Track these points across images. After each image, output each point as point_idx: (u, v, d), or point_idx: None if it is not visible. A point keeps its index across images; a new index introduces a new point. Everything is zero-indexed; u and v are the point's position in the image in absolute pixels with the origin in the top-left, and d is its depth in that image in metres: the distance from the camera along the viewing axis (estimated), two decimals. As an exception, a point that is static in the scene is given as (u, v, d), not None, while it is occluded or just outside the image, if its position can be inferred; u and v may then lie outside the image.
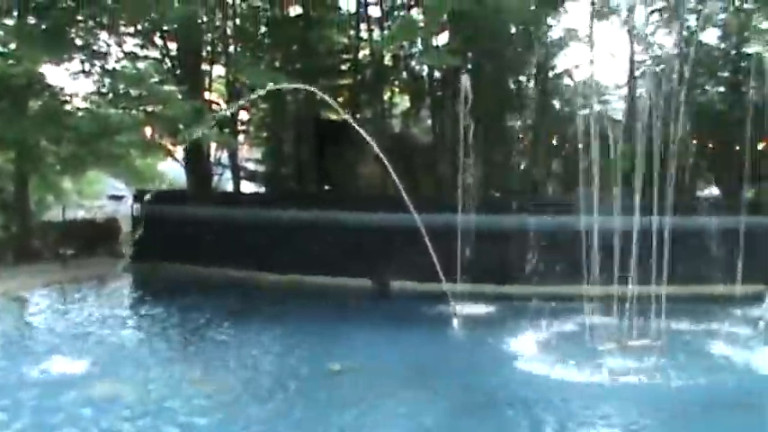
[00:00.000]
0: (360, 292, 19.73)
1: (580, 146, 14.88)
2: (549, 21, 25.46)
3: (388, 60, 27.66)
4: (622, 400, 10.57)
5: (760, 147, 25.09)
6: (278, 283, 20.13)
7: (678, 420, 9.74)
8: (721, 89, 27.20)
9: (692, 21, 24.88)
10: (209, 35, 26.55)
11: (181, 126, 21.18)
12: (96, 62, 23.41)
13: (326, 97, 17.40)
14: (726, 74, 26.83)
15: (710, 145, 25.74)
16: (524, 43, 25.68)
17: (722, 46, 26.64)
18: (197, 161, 26.24)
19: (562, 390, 10.87)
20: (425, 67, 26.57)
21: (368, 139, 16.07)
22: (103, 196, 34.70)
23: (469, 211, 17.91)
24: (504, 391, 10.93)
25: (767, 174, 26.42)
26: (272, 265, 20.69)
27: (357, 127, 16.86)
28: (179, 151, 26.08)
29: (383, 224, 19.42)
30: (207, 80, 26.93)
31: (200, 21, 24.09)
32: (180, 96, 21.45)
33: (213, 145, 25.98)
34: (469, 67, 25.10)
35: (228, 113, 21.98)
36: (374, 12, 27.02)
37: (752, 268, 16.99)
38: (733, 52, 26.05)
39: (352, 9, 27.23)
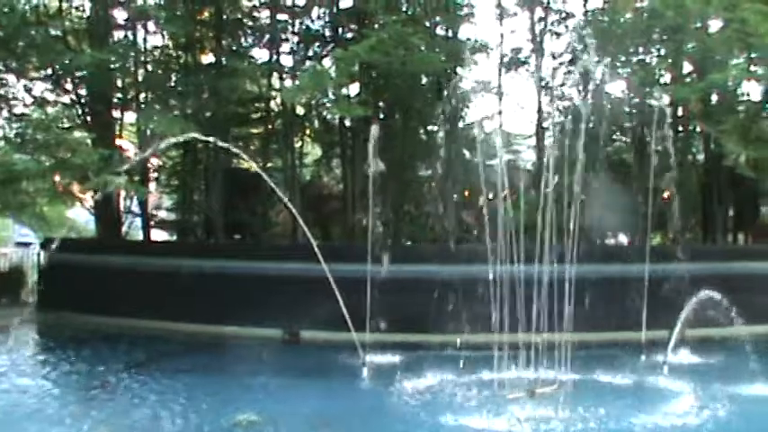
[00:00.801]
0: (270, 342, 19.58)
1: (489, 195, 15.06)
2: (460, 71, 25.86)
3: (299, 110, 27.72)
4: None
5: (665, 195, 25.74)
6: (186, 334, 19.88)
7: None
8: (627, 140, 27.91)
9: (598, 73, 25.53)
10: (120, 81, 26.32)
11: (90, 173, 20.89)
12: (3, 106, 23.02)
13: (232, 147, 17.34)
14: (631, 125, 27.52)
15: (618, 193, 26.26)
16: (434, 94, 26.03)
17: (628, 98, 27.34)
18: (106, 209, 25.89)
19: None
20: (337, 117, 26.71)
21: (275, 188, 16.07)
22: (10, 243, 33.99)
23: (379, 261, 17.95)
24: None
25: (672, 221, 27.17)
26: (181, 316, 20.44)
27: (265, 176, 16.84)
28: (88, 198, 25.66)
29: (293, 274, 19.38)
30: (117, 127, 26.68)
31: (111, 67, 23.88)
32: (89, 143, 21.19)
33: (123, 193, 25.66)
34: (382, 116, 25.39)
35: (138, 161, 21.77)
36: (286, 61, 27.17)
37: (656, 314, 17.36)
38: (637, 104, 26.73)
39: (265, 58, 27.32)
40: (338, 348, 16.88)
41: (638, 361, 16.50)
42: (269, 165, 27.85)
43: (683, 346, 16.95)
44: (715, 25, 24.06)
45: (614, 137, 28.22)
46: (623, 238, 28.55)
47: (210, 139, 16.89)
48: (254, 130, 29.06)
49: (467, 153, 22.91)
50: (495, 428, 11.16)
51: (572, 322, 14.33)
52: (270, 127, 28.38)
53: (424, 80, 25.94)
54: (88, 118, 25.03)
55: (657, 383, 14.39)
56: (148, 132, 25.29)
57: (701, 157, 28.83)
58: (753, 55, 23.11)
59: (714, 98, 25.81)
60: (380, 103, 26.35)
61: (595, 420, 11.39)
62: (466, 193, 20.54)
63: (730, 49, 24.37)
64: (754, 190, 28.41)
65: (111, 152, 21.92)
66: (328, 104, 25.41)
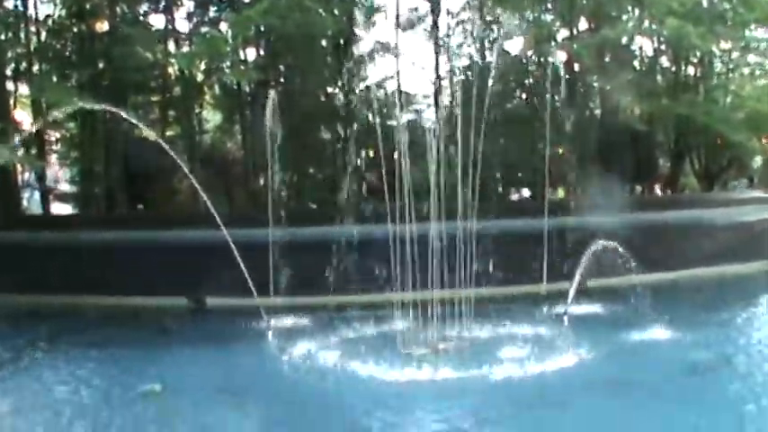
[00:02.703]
0: (176, 310, 19.48)
1: (393, 155, 15.14)
2: (357, 33, 25.82)
3: (198, 76, 27.40)
4: (432, 400, 10.77)
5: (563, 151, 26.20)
6: (92, 307, 19.59)
7: (487, 410, 10.05)
8: (526, 97, 28.26)
9: (496, 32, 25.78)
10: (13, 52, 25.65)
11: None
12: None
13: (124, 114, 17.07)
14: (529, 82, 27.86)
15: (518, 150, 26.61)
16: (333, 57, 25.99)
17: (525, 55, 27.67)
18: (3, 183, 25.26)
19: (374, 393, 11.02)
20: (236, 83, 26.51)
21: (174, 156, 15.91)
22: None
23: (282, 225, 17.96)
24: (318, 398, 10.99)
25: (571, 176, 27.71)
26: (86, 289, 20.12)
27: (164, 144, 16.66)
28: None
29: (197, 241, 19.17)
30: (12, 99, 26.03)
31: (2, 38, 23.27)
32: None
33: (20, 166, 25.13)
34: (282, 80, 25.26)
35: (32, 133, 21.30)
36: (183, 27, 26.79)
37: (557, 267, 17.75)
38: (535, 61, 27.08)
39: (161, 24, 26.90)
40: (243, 314, 16.84)
41: (540, 313, 16.88)
42: (169, 133, 27.54)
43: (584, 296, 17.36)
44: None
45: (513, 94, 28.56)
46: (525, 194, 28.99)
47: (103, 107, 16.61)
48: (153, 98, 28.59)
49: (368, 114, 22.92)
50: (399, 385, 11.32)
51: (474, 278, 14.62)
52: (169, 94, 27.98)
53: (323, 43, 25.86)
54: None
55: (557, 333, 14.72)
56: (43, 104, 24.81)
57: (598, 112, 29.32)
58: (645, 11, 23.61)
59: (609, 54, 26.25)
60: (280, 67, 26.20)
61: (496, 371, 11.64)
62: (368, 154, 20.57)
63: (623, 6, 24.88)
64: (652, 143, 29.06)
65: (3, 125, 21.38)
66: (226, 70, 25.16)
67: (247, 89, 26.49)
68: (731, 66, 29.29)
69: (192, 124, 27.24)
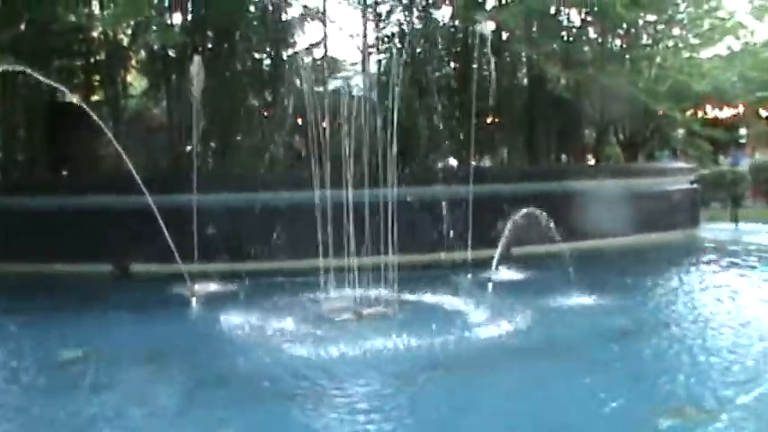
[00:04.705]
0: (101, 277, 19.25)
1: (320, 122, 15.10)
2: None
3: (124, 40, 26.97)
4: (357, 365, 10.80)
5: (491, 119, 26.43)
6: (15, 274, 19.22)
7: (409, 378, 10.08)
8: (454, 65, 28.38)
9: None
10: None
11: None
12: None
13: (41, 77, 16.71)
14: (457, 50, 27.99)
15: (445, 118, 26.73)
16: (261, 22, 25.79)
17: (453, 23, 27.78)
18: None
19: (296, 360, 11.00)
20: (161, 47, 26.14)
21: (97, 120, 15.67)
22: None
23: (207, 191, 17.84)
24: (240, 365, 10.95)
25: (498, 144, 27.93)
26: (7, 256, 19.69)
27: (88, 109, 16.40)
28: None
29: (121, 207, 18.92)
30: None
31: None
32: None
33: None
34: (210, 46, 25.02)
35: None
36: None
37: (482, 234, 17.91)
38: (462, 29, 27.20)
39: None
40: (168, 281, 16.66)
41: (464, 279, 17.06)
42: (94, 98, 27.11)
43: (508, 263, 17.59)
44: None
45: (442, 62, 28.67)
46: (452, 161, 29.13)
47: (24, 69, 16.24)
48: (78, 62, 28.07)
49: (295, 80, 22.82)
50: (322, 351, 11.35)
51: (399, 245, 14.70)
52: (93, 59, 27.49)
53: (251, 8, 25.65)
54: None
55: (481, 299, 14.87)
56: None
57: (525, 81, 29.59)
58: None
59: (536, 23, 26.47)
60: (207, 32, 25.91)
61: (420, 336, 11.73)
62: (295, 121, 20.48)
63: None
64: (577, 113, 29.41)
65: None
66: (152, 33, 24.78)
67: (172, 54, 26.15)
68: (657, 38, 29.73)
69: (117, 89, 26.85)
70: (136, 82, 30.71)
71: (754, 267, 19.24)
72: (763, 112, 44.81)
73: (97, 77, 27.74)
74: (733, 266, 19.63)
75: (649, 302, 15.20)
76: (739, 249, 22.79)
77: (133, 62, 28.61)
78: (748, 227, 28.14)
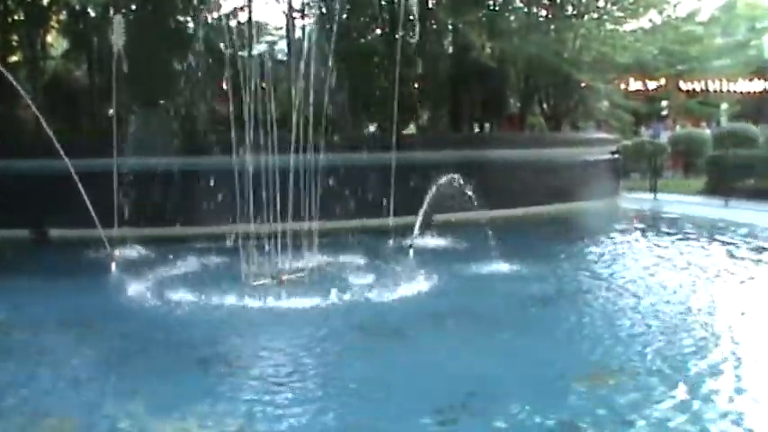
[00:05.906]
0: (19, 242, 18.91)
1: (244, 87, 14.97)
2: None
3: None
4: (274, 329, 10.84)
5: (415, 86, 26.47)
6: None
7: (331, 339, 10.22)
8: (379, 31, 28.30)
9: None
10: None
11: None
12: None
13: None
14: (383, 17, 27.90)
15: (369, 85, 26.69)
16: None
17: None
18: None
19: (215, 324, 10.99)
20: (82, 7, 25.59)
21: (15, 83, 15.35)
22: None
23: (127, 155, 17.61)
24: (161, 330, 10.84)
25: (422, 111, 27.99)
26: None
27: (4, 70, 16.04)
28: None
29: (39, 171, 18.52)
30: None
31: None
32: None
33: None
34: (132, 7, 24.60)
35: None
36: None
37: (405, 201, 17.99)
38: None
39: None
40: (88, 246, 16.50)
41: (386, 245, 17.17)
42: (12, 59, 26.47)
43: (430, 230, 17.73)
44: None
45: (367, 28, 28.59)
46: (375, 128, 29.14)
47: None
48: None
49: (219, 44, 22.55)
50: (240, 315, 11.35)
51: (320, 211, 14.74)
52: (11, 18, 26.81)
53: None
54: None
55: (402, 266, 14.97)
56: None
57: (450, 49, 29.63)
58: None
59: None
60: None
61: (339, 301, 11.81)
62: (219, 85, 20.25)
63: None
64: (502, 81, 29.62)
65: None
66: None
67: (93, 14, 25.64)
68: (581, 9, 29.97)
69: (35, 50, 26.25)
70: (56, 43, 30.02)
71: (669, 234, 19.74)
72: (683, 85, 45.73)
73: (15, 38, 27.04)
74: (650, 234, 20.12)
75: (569, 270, 15.42)
76: (657, 218, 23.36)
77: (53, 22, 27.96)
78: (666, 197, 28.86)
